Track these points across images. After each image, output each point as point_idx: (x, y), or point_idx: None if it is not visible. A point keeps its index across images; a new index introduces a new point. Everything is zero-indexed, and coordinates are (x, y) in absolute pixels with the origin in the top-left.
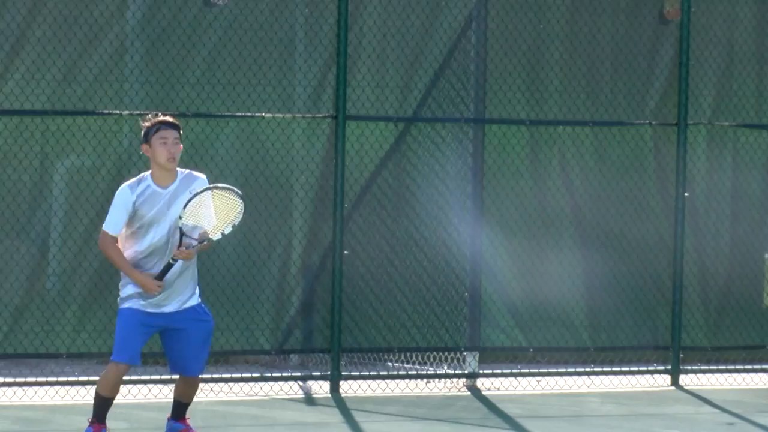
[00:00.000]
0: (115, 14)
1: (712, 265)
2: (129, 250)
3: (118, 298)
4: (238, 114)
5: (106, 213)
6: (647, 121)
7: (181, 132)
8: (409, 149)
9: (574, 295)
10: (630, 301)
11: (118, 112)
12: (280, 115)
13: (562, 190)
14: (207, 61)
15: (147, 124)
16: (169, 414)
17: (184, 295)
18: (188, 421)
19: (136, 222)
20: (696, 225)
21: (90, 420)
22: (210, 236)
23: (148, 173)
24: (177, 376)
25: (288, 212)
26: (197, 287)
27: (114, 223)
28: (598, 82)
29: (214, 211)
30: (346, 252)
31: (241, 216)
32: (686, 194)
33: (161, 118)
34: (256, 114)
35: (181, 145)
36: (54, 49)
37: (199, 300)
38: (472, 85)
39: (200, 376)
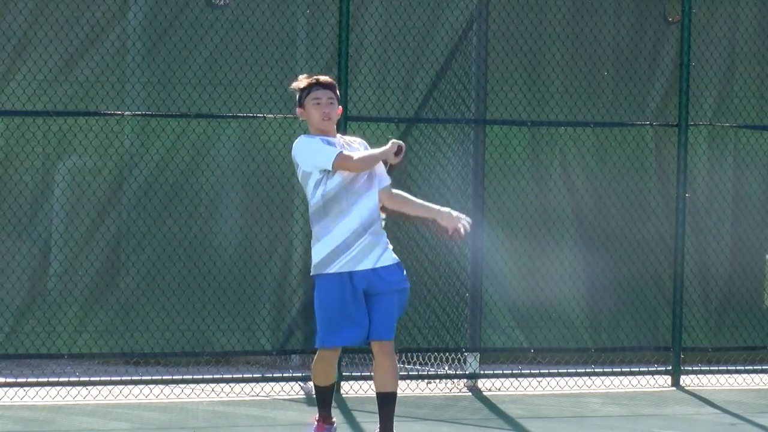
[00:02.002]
0: (117, 15)
1: (712, 266)
2: (316, 197)
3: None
4: (240, 115)
5: (108, 213)
6: (648, 122)
7: (338, 92)
8: (410, 150)
9: (575, 295)
10: (631, 302)
11: (119, 112)
12: (282, 116)
13: (563, 191)
14: (208, 61)
15: (300, 85)
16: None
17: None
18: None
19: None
20: (697, 226)
21: (315, 418)
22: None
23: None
24: (179, 376)
25: (289, 213)
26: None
27: (328, 152)
28: (599, 83)
29: None
30: None
31: None
32: (687, 195)
33: (316, 77)
34: (258, 115)
35: (340, 107)
36: (55, 49)
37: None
38: (473, 86)
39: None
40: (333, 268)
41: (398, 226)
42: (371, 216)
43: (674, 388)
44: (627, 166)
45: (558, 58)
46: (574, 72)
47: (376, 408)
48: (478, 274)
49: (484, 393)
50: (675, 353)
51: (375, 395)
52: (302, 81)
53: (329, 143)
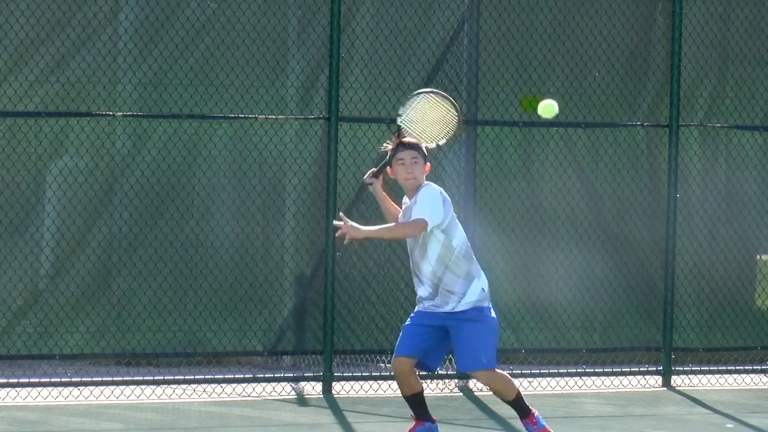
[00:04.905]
0: (108, 15)
1: (704, 266)
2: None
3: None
4: (231, 115)
5: (100, 214)
6: (639, 123)
7: (423, 150)
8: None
9: (567, 296)
10: (622, 303)
11: (111, 113)
12: (273, 117)
13: (555, 191)
14: (200, 62)
15: (389, 146)
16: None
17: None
18: (535, 415)
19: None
20: (688, 226)
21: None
22: (427, 144)
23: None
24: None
25: (281, 214)
26: (469, 288)
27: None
28: (590, 84)
29: (429, 117)
30: (338, 253)
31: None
32: (678, 195)
33: (400, 140)
34: (249, 116)
35: (428, 164)
36: (47, 50)
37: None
38: (464, 87)
39: (478, 371)
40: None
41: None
42: None
43: (665, 389)
44: (619, 167)
45: (549, 59)
46: (566, 73)
47: (368, 409)
48: None
49: (476, 393)
50: (666, 353)
51: (415, 396)
52: (390, 143)
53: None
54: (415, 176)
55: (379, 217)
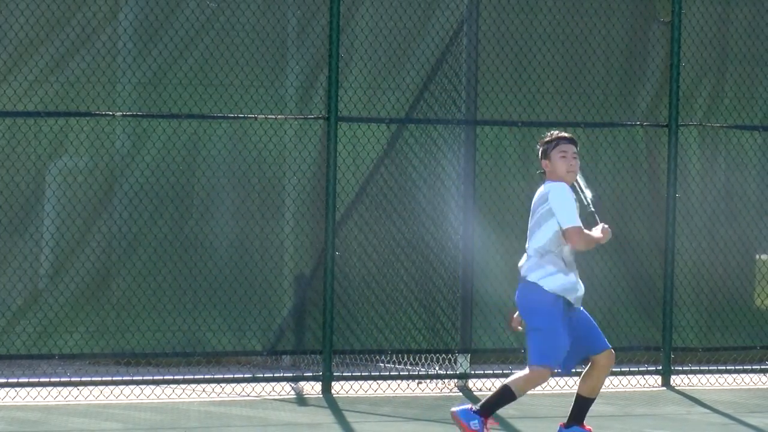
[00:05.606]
0: (108, 15)
1: (703, 266)
2: (557, 248)
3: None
4: (230, 115)
5: (99, 214)
6: (638, 123)
7: (578, 147)
8: (401, 151)
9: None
10: (622, 302)
11: (110, 113)
12: (272, 117)
13: None
14: (199, 62)
15: (546, 139)
16: (563, 422)
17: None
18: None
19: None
20: (688, 226)
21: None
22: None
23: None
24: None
25: (280, 213)
26: None
27: (576, 216)
28: (590, 84)
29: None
30: (337, 253)
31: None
32: (677, 195)
33: (560, 134)
34: (249, 115)
35: (578, 161)
36: (47, 50)
37: None
38: (464, 87)
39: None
40: None
41: (394, 225)
42: None
43: (665, 388)
44: (618, 167)
45: (549, 59)
46: (565, 72)
47: (368, 408)
48: (469, 275)
49: (475, 393)
50: (666, 353)
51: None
52: (548, 136)
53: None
54: (575, 170)
55: (379, 217)
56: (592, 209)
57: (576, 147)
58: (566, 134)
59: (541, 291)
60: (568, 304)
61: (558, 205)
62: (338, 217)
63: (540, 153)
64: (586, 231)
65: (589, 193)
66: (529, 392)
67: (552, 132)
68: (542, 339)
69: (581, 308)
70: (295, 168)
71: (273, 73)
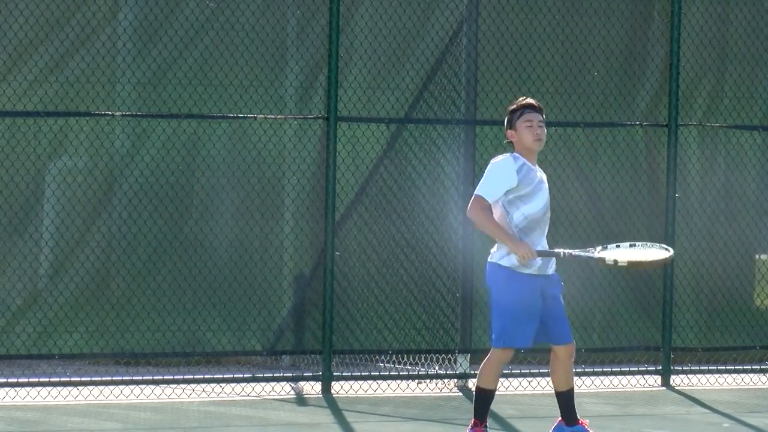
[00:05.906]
0: (108, 15)
1: (703, 266)
2: (501, 222)
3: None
4: (230, 115)
5: (99, 214)
6: (638, 122)
7: (544, 116)
8: (400, 151)
9: (565, 295)
10: (621, 302)
11: (110, 113)
12: (272, 117)
13: (554, 191)
14: (199, 62)
15: (511, 107)
16: (561, 419)
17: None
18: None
19: (511, 194)
20: (687, 226)
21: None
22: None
23: (513, 153)
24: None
25: (280, 213)
26: None
27: (493, 190)
28: (589, 84)
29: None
30: (336, 253)
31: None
32: (677, 195)
33: (525, 101)
34: (248, 115)
35: (545, 129)
36: (46, 50)
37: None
38: (463, 87)
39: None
40: None
41: (393, 225)
42: None
43: (664, 388)
44: (618, 167)
45: (548, 59)
46: (564, 72)
47: (367, 408)
48: (468, 275)
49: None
50: (665, 353)
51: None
52: (514, 104)
53: (510, 176)
54: (541, 139)
55: (378, 217)
56: (593, 255)
57: (542, 115)
58: (532, 101)
59: (498, 268)
60: (545, 277)
61: (485, 175)
62: (338, 217)
63: (505, 123)
64: (490, 216)
65: (588, 253)
66: (529, 392)
67: (519, 99)
68: (499, 318)
69: (559, 295)
70: (295, 168)
71: (272, 73)
